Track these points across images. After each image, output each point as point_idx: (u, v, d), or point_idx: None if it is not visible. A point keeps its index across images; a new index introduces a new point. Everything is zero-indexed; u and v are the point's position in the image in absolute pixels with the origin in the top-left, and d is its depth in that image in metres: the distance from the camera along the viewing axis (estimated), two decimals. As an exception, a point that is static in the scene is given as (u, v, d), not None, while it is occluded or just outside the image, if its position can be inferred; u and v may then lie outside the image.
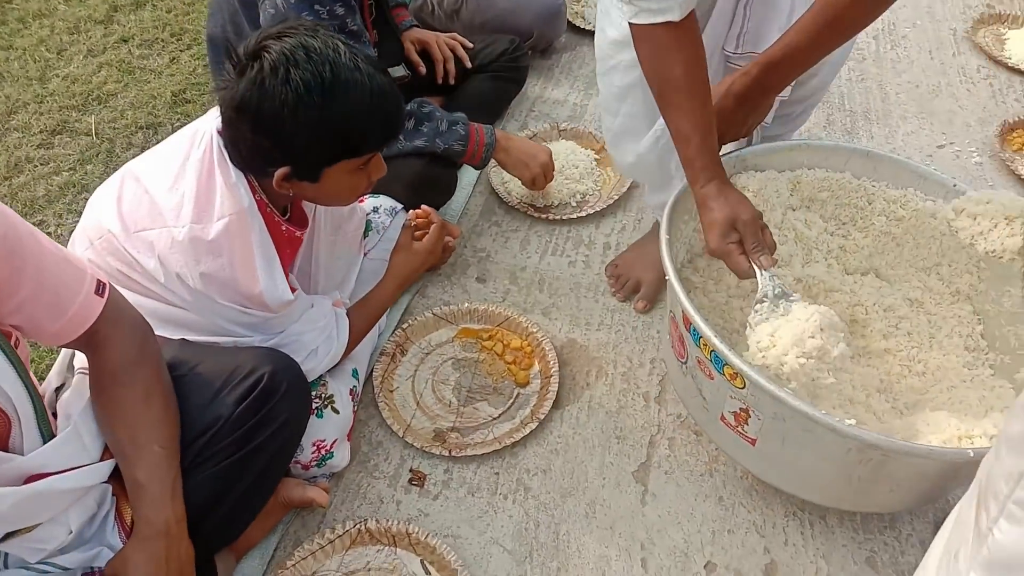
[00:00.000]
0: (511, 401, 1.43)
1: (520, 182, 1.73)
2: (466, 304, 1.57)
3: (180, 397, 1.05)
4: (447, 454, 1.33)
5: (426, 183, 1.58)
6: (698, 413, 1.23)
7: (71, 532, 0.97)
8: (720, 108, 1.22)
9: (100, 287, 0.96)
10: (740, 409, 1.09)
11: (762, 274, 1.10)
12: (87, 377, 1.03)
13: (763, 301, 1.09)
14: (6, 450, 0.88)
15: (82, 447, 0.98)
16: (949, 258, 1.36)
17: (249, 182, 1.09)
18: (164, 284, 1.08)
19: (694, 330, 1.08)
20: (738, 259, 1.11)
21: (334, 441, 1.25)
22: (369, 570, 1.20)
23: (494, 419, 1.40)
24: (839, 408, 1.18)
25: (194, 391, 1.06)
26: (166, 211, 1.07)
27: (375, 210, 1.51)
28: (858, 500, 1.14)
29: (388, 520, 1.23)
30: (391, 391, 1.44)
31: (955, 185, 1.32)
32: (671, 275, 1.12)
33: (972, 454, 0.96)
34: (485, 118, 1.76)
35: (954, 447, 1.04)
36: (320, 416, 1.24)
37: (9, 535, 0.90)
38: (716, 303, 1.35)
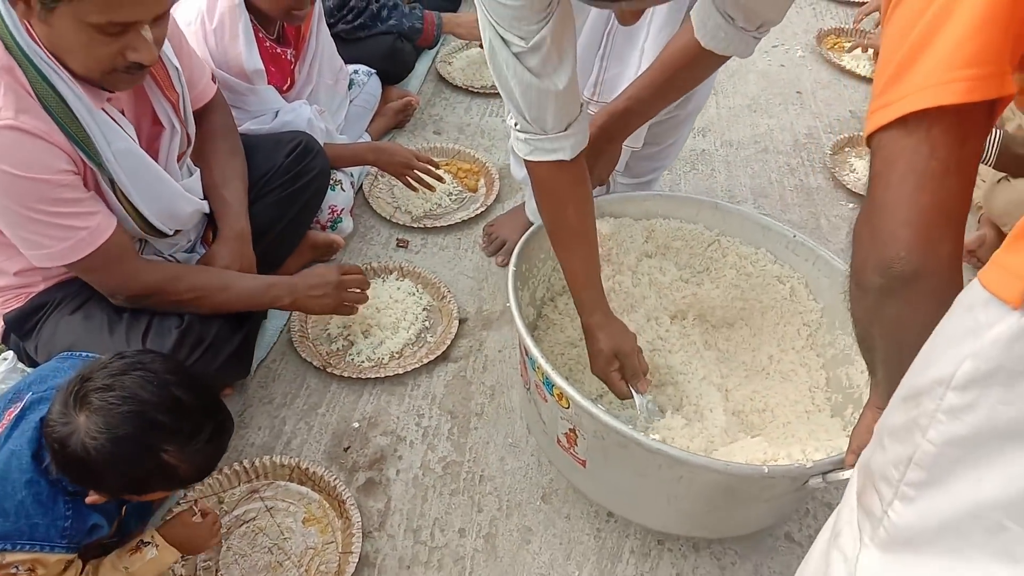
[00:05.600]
0: (465, 198, 1.99)
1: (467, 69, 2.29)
2: (427, 145, 2.12)
3: (247, 155, 1.55)
4: (422, 227, 1.88)
5: (393, 55, 2.13)
6: (540, 437, 1.30)
7: (189, 241, 1.47)
8: None
9: (213, 77, 1.48)
10: (569, 430, 1.15)
11: (638, 396, 1.24)
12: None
13: (638, 418, 1.25)
14: (156, 152, 1.35)
15: (199, 186, 1.47)
16: (786, 320, 1.44)
17: None
18: None
19: (531, 355, 1.14)
20: (619, 384, 1.24)
21: (342, 210, 1.77)
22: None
23: (455, 210, 1.96)
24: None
25: (257, 150, 1.57)
26: (183, 22, 1.53)
27: (355, 71, 2.05)
28: (681, 522, 1.18)
29: (385, 262, 1.76)
30: (378, 197, 1.96)
31: (795, 236, 1.41)
32: (512, 303, 1.18)
33: (767, 470, 0.97)
34: (448, 6, 2.37)
35: (752, 464, 1.04)
36: (333, 190, 1.76)
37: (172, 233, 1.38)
38: (571, 338, 1.42)
